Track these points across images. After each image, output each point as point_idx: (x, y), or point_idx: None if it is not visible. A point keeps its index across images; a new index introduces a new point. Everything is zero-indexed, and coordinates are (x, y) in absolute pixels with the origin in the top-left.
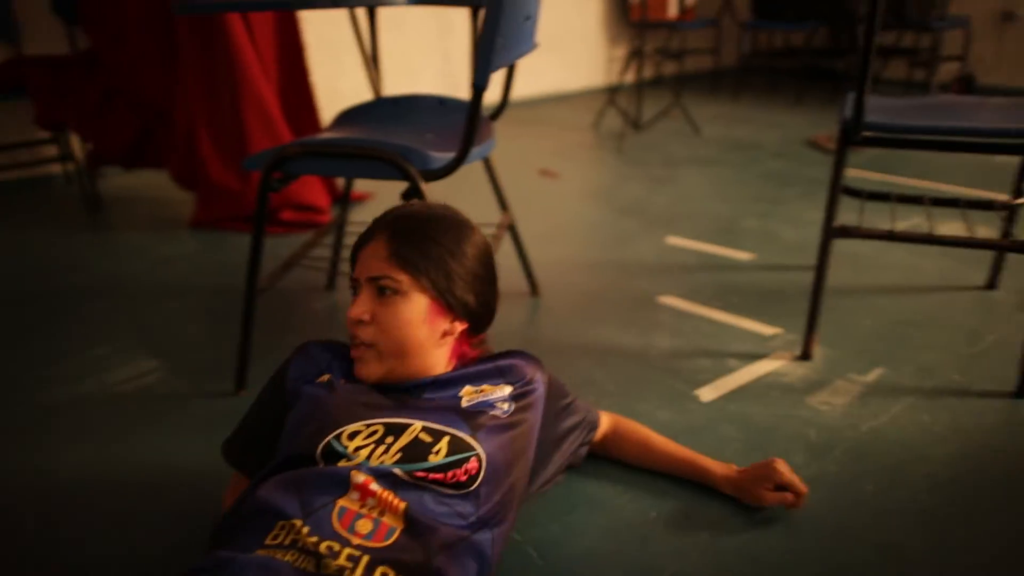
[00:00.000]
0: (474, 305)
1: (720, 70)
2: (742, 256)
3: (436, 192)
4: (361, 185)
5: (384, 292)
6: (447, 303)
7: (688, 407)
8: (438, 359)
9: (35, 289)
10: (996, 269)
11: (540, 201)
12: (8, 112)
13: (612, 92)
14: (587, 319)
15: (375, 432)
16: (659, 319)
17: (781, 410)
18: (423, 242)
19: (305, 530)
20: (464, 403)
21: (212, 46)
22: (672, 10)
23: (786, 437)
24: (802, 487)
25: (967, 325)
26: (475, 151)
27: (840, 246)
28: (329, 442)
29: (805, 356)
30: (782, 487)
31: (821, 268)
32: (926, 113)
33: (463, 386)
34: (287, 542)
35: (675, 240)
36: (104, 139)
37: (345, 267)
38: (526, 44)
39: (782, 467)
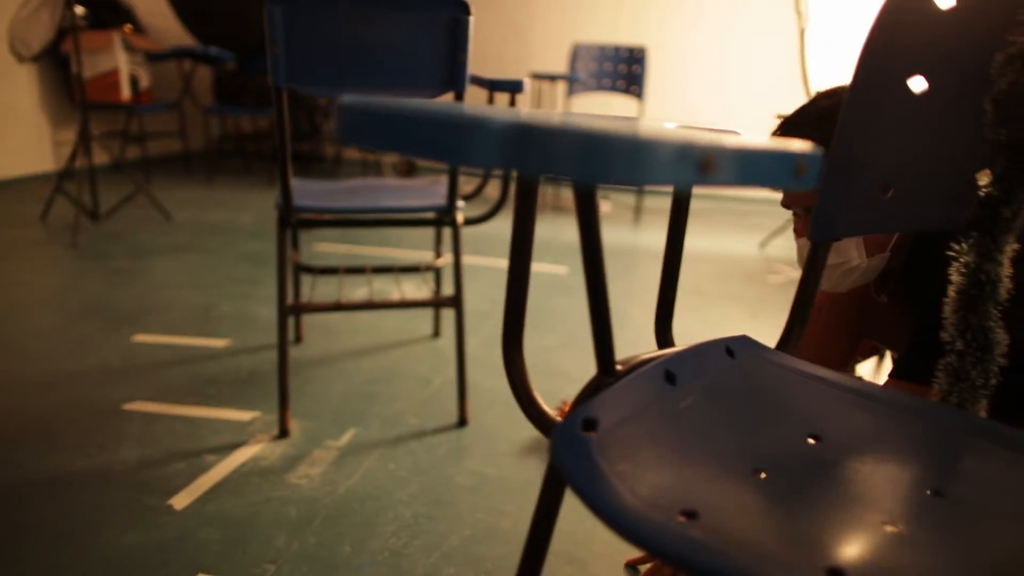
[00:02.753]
0: None
1: (190, 154)
2: (218, 343)
3: None
4: None
5: None
6: None
7: (160, 521)
8: None
9: None
10: (436, 320)
11: None
12: None
13: (61, 179)
14: (35, 450)
15: None
16: (125, 429)
17: (261, 496)
18: None
19: None
20: None
21: None
22: (125, 92)
23: (267, 523)
24: None
25: (420, 372)
26: None
27: (314, 319)
28: None
29: (283, 434)
30: None
31: (282, 344)
32: (348, 195)
33: None
34: None
35: (144, 337)
36: None
37: None
38: None
39: None
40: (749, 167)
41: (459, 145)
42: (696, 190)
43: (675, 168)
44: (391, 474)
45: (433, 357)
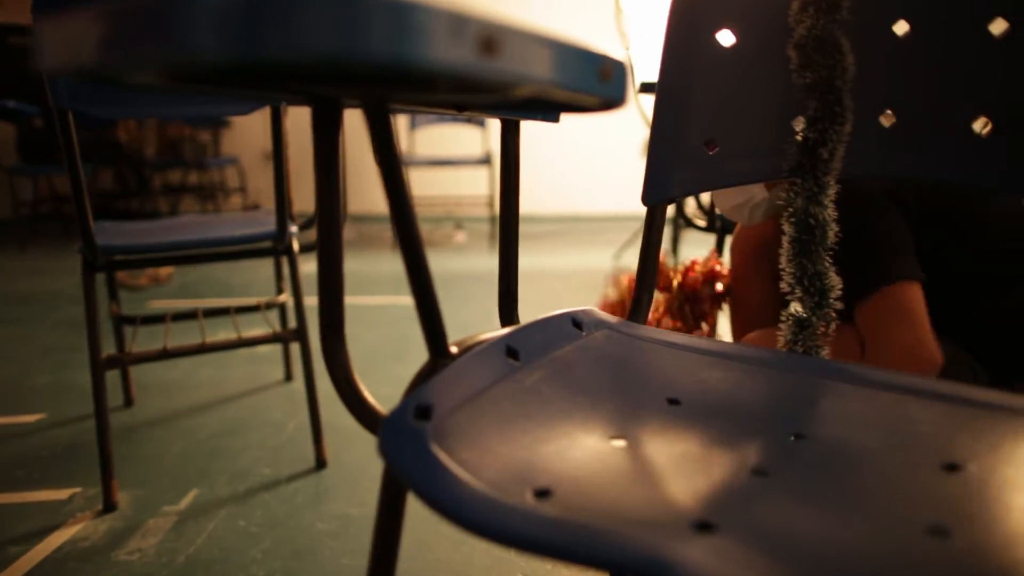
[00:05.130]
0: None
1: None
2: (28, 419)
3: None
4: None
5: None
6: None
7: None
8: None
9: None
10: (287, 362)
11: None
12: None
13: None
14: None
15: None
16: None
17: None
18: None
19: None
20: None
21: None
22: None
23: None
24: None
25: (272, 419)
26: None
27: (147, 377)
28: None
29: (108, 508)
30: None
31: (100, 406)
32: (171, 231)
33: None
34: None
35: None
36: None
37: None
38: None
39: None
40: (542, 57)
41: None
42: (546, 210)
43: (449, 43)
44: (241, 531)
45: (285, 402)
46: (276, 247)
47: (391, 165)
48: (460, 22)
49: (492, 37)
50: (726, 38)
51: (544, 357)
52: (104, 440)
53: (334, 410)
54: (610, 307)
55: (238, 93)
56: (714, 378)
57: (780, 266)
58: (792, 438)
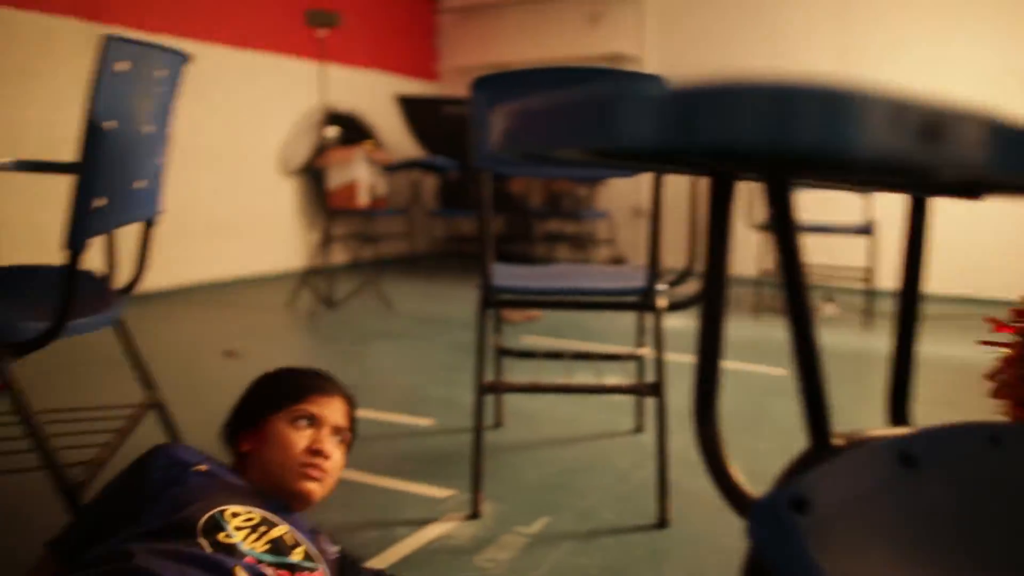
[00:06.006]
0: None
1: (416, 254)
2: (422, 422)
3: (75, 364)
4: None
5: (337, 439)
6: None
7: None
8: None
9: None
10: (640, 414)
11: (217, 382)
12: None
13: (307, 275)
14: None
15: (252, 519)
16: (334, 493)
17: (447, 574)
18: (354, 413)
19: None
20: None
21: None
22: (363, 199)
23: None
24: None
25: (619, 467)
26: (85, 321)
27: (515, 406)
28: (213, 516)
29: (474, 515)
30: None
31: (478, 423)
32: (551, 278)
33: (304, 532)
34: None
35: (359, 412)
36: None
37: None
38: (141, 210)
39: None
40: (989, 140)
41: (603, 120)
42: (940, 289)
43: (887, 130)
44: (582, 570)
45: (634, 452)
46: (643, 302)
47: (788, 238)
48: (902, 109)
49: (936, 123)
50: None
51: (947, 470)
52: (478, 455)
53: (682, 470)
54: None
55: (647, 167)
56: None
57: None
58: None
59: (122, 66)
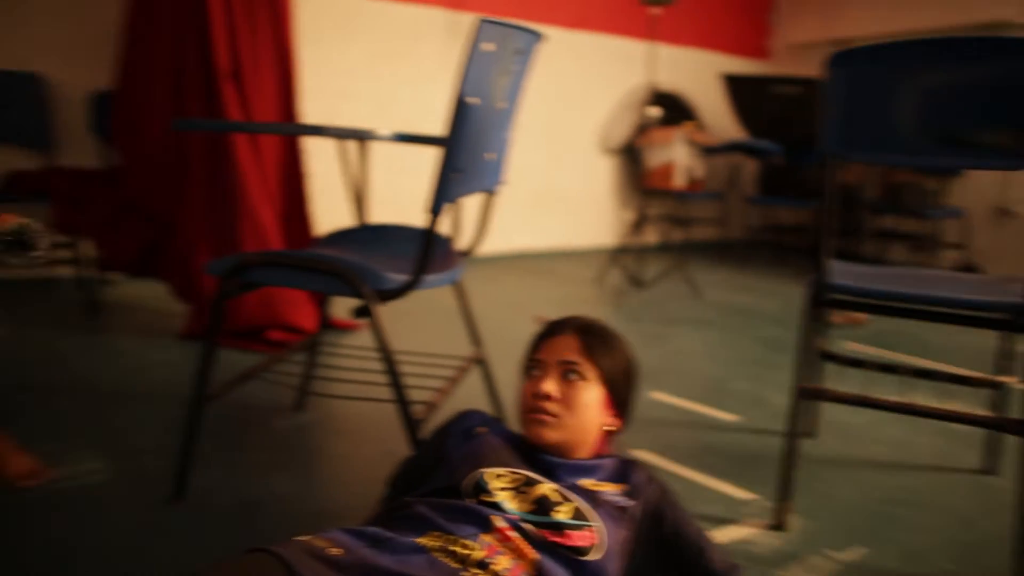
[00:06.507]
0: (628, 406)
1: (727, 241)
2: (726, 417)
3: (414, 313)
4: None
5: (569, 376)
6: (616, 399)
7: None
8: (587, 447)
9: (11, 383)
10: (993, 452)
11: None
12: (32, 215)
13: (618, 252)
14: None
15: (517, 479)
16: None
17: None
18: (606, 343)
19: (470, 546)
20: (586, 486)
21: (218, 167)
22: (679, 180)
23: None
24: None
25: (961, 510)
26: (435, 277)
27: (831, 416)
28: (478, 478)
29: (779, 526)
30: None
31: (793, 430)
32: (897, 281)
33: (588, 478)
34: (441, 546)
35: (659, 395)
36: (113, 248)
37: (316, 388)
38: (490, 179)
39: None
40: None
41: None
42: None
43: None
44: None
45: (979, 495)
46: (1017, 321)
47: None
48: None
49: None
50: None
51: None
52: (789, 462)
53: None
54: None
55: None
56: None
57: None
58: None
59: (488, 47)
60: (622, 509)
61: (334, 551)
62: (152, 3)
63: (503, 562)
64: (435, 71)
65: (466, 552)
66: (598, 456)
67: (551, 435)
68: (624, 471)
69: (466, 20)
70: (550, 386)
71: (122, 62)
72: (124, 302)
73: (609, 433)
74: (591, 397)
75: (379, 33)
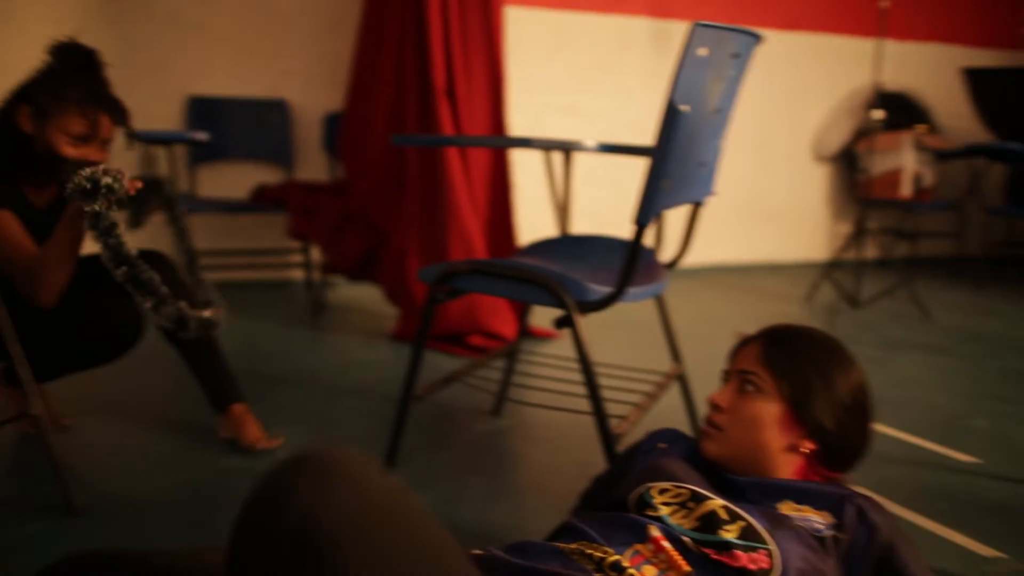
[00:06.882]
0: (830, 430)
1: (963, 257)
2: (962, 458)
3: (611, 325)
4: (546, 323)
5: (746, 387)
6: (800, 416)
7: None
8: (779, 469)
9: (247, 369)
10: None
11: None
12: (272, 223)
13: (830, 267)
14: None
15: (681, 494)
16: None
17: None
18: (793, 354)
19: (607, 551)
20: (782, 509)
21: (431, 179)
22: (905, 189)
23: None
24: None
25: None
26: (638, 290)
27: None
28: (642, 492)
29: None
30: None
31: None
32: None
33: (785, 500)
34: (578, 548)
35: (878, 427)
36: (337, 253)
37: (514, 394)
38: (699, 190)
39: None
40: None
41: None
42: None
43: None
44: None
45: None
46: None
47: None
48: None
49: None
50: None
51: None
52: None
53: None
54: None
55: None
56: None
57: None
58: None
59: (702, 51)
60: (820, 539)
61: (473, 551)
62: (380, 30)
63: (648, 571)
64: (640, 81)
65: (601, 555)
66: (803, 479)
67: (711, 448)
68: (838, 501)
69: (671, 28)
70: (720, 396)
71: (351, 84)
72: (345, 304)
73: (810, 456)
74: (761, 412)
75: (584, 45)
